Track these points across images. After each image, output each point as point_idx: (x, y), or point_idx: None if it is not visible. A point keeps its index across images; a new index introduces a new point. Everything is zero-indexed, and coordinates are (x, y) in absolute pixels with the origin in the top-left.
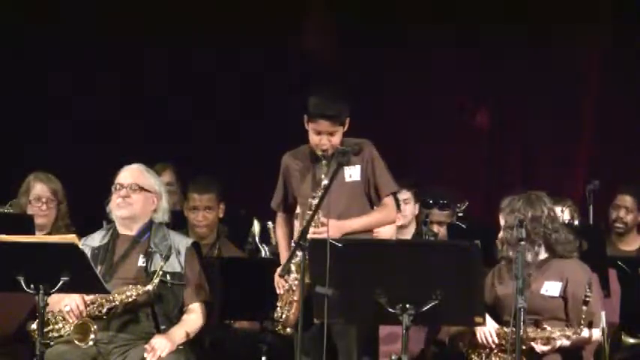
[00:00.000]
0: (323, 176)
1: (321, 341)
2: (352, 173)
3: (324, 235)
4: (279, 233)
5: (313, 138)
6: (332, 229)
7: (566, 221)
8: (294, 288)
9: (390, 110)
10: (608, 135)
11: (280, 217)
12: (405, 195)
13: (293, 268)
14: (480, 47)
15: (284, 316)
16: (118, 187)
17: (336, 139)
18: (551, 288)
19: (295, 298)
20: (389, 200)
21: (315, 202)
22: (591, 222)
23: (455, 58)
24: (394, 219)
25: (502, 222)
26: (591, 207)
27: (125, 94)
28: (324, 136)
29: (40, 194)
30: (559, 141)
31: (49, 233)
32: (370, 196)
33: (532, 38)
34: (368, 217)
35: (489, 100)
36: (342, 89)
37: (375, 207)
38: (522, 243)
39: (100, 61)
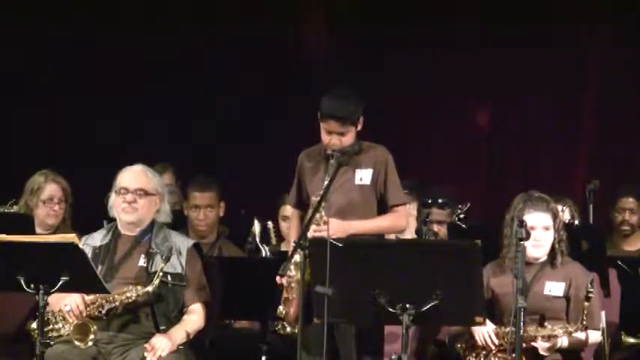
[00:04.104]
0: (327, 177)
1: (322, 341)
2: (363, 176)
3: (325, 234)
4: (291, 229)
5: (324, 137)
6: (336, 228)
7: (567, 221)
8: (293, 285)
9: (390, 110)
10: (608, 135)
11: (294, 214)
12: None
13: (292, 266)
14: (480, 47)
15: (285, 312)
16: (122, 190)
17: (347, 139)
18: (555, 288)
19: (294, 295)
20: (401, 209)
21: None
22: (591, 222)
23: (455, 58)
24: (403, 227)
25: (544, 222)
26: (591, 207)
27: (126, 94)
28: (334, 136)
29: (53, 194)
30: (559, 141)
31: (54, 233)
32: (378, 201)
33: (532, 38)
34: (375, 221)
35: (489, 100)
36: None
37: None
38: (522, 243)
39: (100, 61)
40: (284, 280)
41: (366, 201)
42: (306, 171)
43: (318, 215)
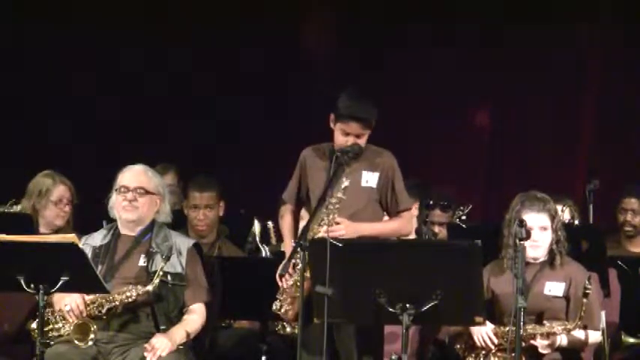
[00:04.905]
0: (344, 179)
1: (322, 341)
2: (369, 179)
3: (339, 234)
4: (285, 224)
5: (339, 138)
6: (348, 229)
7: (566, 221)
8: (299, 284)
9: (390, 110)
10: (608, 135)
11: (288, 209)
12: None
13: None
14: (480, 47)
15: (283, 309)
16: (122, 189)
17: (363, 142)
18: (555, 288)
19: (297, 294)
20: (407, 214)
21: (327, 202)
22: (591, 222)
23: (455, 58)
24: (410, 231)
25: (541, 222)
26: (591, 207)
27: (127, 95)
28: (351, 138)
29: (62, 195)
30: (559, 141)
31: (56, 233)
32: (382, 205)
33: (532, 38)
34: (384, 224)
35: (489, 100)
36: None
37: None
38: (522, 243)
39: (102, 62)
40: (287, 278)
41: (371, 203)
42: (309, 169)
43: (331, 216)
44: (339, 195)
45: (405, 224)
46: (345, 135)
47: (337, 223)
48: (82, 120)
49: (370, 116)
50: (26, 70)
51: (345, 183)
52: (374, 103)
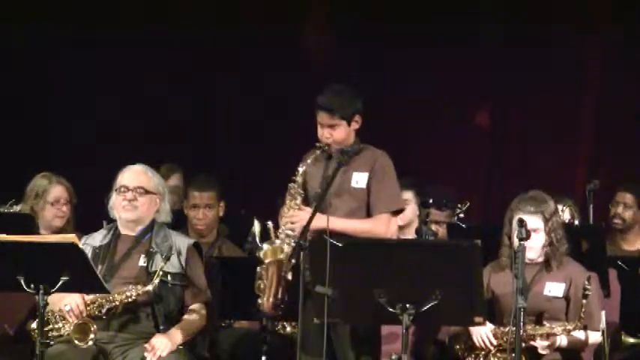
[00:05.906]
0: (301, 164)
1: (320, 341)
2: (359, 180)
3: (296, 220)
4: None
5: (318, 130)
6: (304, 217)
7: (567, 221)
8: (262, 273)
9: (390, 110)
10: (608, 135)
11: None
12: (405, 195)
13: (261, 254)
14: (480, 47)
15: (259, 301)
16: (122, 189)
17: (338, 134)
18: (555, 289)
19: (269, 283)
20: (384, 216)
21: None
22: (591, 222)
23: (455, 58)
24: (382, 234)
25: (532, 224)
26: (591, 207)
27: (125, 94)
28: (325, 130)
29: (59, 195)
30: (559, 141)
31: (58, 233)
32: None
33: (532, 38)
34: (354, 222)
35: (489, 100)
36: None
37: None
38: (522, 243)
39: (101, 61)
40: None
41: (360, 205)
42: (309, 170)
43: (293, 202)
44: (296, 178)
45: (377, 226)
46: (320, 127)
47: (300, 209)
48: (83, 120)
49: (336, 106)
50: (26, 70)
51: (302, 168)
52: (348, 96)
